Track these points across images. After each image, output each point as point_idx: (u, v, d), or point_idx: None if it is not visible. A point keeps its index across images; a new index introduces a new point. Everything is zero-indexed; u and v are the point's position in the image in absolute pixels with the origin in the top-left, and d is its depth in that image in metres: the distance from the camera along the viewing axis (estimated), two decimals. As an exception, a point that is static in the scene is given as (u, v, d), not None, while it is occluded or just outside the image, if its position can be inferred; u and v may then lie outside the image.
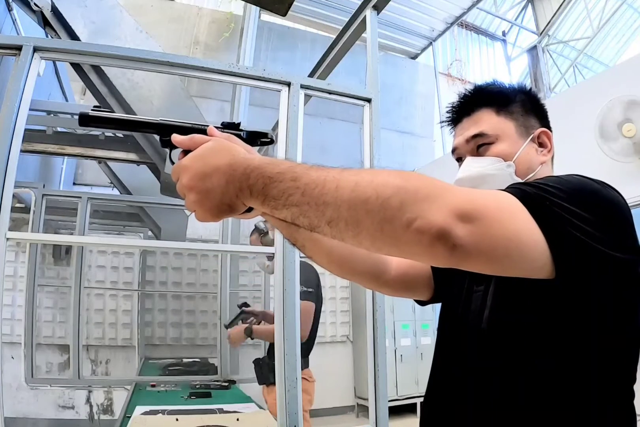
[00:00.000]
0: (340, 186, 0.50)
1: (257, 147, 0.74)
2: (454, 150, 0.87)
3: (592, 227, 0.57)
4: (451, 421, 0.73)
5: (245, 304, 2.61)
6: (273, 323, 2.38)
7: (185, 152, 0.62)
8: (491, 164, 0.79)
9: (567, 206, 0.57)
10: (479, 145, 0.81)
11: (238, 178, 0.56)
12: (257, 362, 2.43)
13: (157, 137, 0.69)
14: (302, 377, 2.18)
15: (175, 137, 0.64)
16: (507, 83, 0.87)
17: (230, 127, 0.70)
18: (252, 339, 2.43)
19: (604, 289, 0.61)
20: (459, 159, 0.87)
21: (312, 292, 2.34)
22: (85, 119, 0.66)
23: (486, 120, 0.81)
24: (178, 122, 0.68)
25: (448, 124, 0.89)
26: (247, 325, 2.44)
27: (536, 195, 0.57)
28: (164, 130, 0.67)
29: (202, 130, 0.66)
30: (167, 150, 0.68)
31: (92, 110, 0.67)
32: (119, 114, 0.70)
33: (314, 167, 0.54)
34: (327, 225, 0.52)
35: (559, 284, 0.58)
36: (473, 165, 0.81)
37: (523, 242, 0.53)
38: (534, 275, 0.57)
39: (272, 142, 0.73)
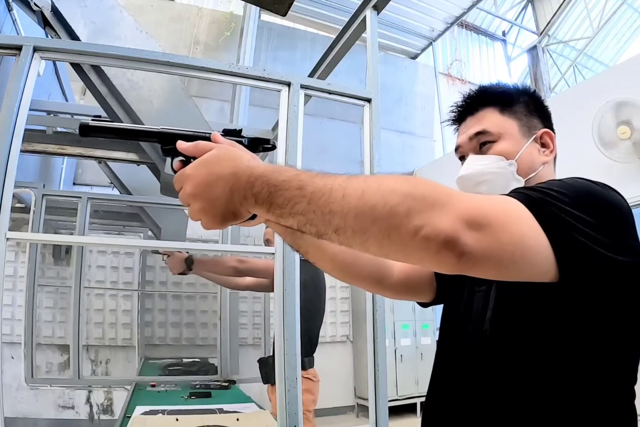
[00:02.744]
0: (347, 194, 0.50)
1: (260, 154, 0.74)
2: (457, 149, 0.87)
3: (596, 231, 0.57)
4: (453, 421, 0.73)
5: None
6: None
7: (184, 161, 0.62)
8: (493, 162, 0.79)
9: (572, 211, 0.57)
10: (482, 143, 0.82)
11: (242, 186, 0.55)
12: (261, 361, 2.44)
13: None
14: (307, 377, 2.18)
15: (181, 144, 0.63)
16: (511, 84, 0.87)
17: (231, 134, 0.69)
18: (190, 270, 2.27)
19: (607, 292, 0.61)
20: (462, 158, 0.87)
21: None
22: (85, 129, 0.66)
23: (489, 119, 0.82)
24: (180, 131, 0.67)
25: (452, 123, 0.89)
26: (188, 255, 2.27)
27: (541, 200, 0.57)
28: (166, 138, 0.67)
29: (205, 138, 0.65)
30: (169, 158, 0.67)
31: (92, 120, 0.66)
32: (120, 124, 0.70)
33: (320, 175, 0.54)
34: (334, 233, 0.51)
35: (562, 286, 0.58)
36: (475, 163, 0.81)
37: (529, 248, 0.53)
38: (539, 279, 0.57)
39: (273, 148, 0.72)
